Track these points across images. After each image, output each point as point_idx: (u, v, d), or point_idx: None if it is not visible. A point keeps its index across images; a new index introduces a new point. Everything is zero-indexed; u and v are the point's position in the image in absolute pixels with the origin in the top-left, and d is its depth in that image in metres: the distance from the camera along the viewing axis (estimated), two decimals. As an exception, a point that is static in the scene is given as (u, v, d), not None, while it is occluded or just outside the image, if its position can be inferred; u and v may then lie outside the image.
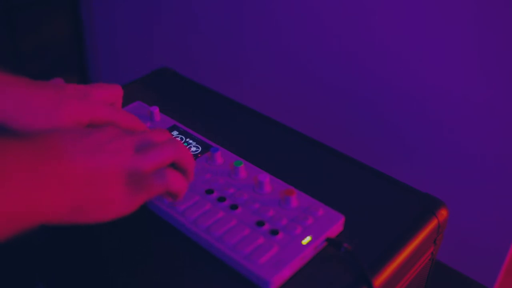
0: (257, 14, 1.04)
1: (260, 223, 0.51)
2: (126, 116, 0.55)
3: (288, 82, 1.04)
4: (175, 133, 0.63)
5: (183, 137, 0.62)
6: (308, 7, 0.94)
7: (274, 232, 0.50)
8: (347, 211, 0.53)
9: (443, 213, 0.56)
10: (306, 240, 0.49)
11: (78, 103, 0.52)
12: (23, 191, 0.38)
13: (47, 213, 0.41)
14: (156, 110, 0.65)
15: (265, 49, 1.05)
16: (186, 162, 0.50)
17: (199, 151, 0.60)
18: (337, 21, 0.91)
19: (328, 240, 0.50)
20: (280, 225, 0.50)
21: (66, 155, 0.42)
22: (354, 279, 0.48)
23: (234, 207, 0.52)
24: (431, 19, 0.81)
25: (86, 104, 0.53)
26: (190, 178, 0.51)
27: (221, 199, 0.53)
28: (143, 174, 0.46)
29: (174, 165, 0.50)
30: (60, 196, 0.41)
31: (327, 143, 0.65)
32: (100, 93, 0.57)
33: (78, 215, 0.43)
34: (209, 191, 0.54)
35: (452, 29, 0.79)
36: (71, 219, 0.43)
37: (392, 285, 0.51)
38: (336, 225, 0.51)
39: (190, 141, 0.62)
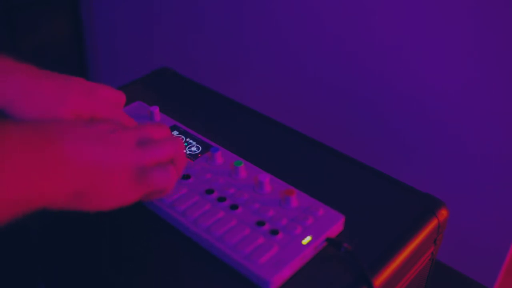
0: (257, 14, 1.03)
1: (260, 223, 0.51)
2: (126, 118, 0.55)
3: (288, 82, 1.04)
4: (175, 133, 0.63)
5: (183, 137, 0.62)
6: (308, 7, 0.94)
7: (274, 232, 0.50)
8: (347, 211, 0.53)
9: (443, 213, 0.56)
10: (306, 240, 0.49)
11: (81, 100, 0.52)
12: (26, 175, 0.38)
13: (49, 197, 0.41)
14: (156, 110, 0.65)
15: (265, 49, 1.05)
16: (181, 160, 0.51)
17: (199, 151, 0.60)
18: (337, 21, 0.91)
19: (328, 240, 0.50)
20: (280, 225, 0.50)
21: (68, 141, 0.42)
22: (354, 279, 0.48)
23: (234, 207, 0.52)
24: (431, 19, 0.81)
25: (89, 101, 0.53)
26: (179, 175, 0.52)
27: (221, 199, 0.53)
28: (144, 168, 0.46)
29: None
30: (62, 181, 0.41)
31: (327, 143, 0.65)
32: (104, 92, 0.57)
33: (79, 201, 0.43)
34: (209, 191, 0.54)
35: (452, 29, 0.79)
36: (72, 205, 0.43)
37: (392, 285, 0.51)
38: (336, 225, 0.51)
39: (190, 141, 0.62)
